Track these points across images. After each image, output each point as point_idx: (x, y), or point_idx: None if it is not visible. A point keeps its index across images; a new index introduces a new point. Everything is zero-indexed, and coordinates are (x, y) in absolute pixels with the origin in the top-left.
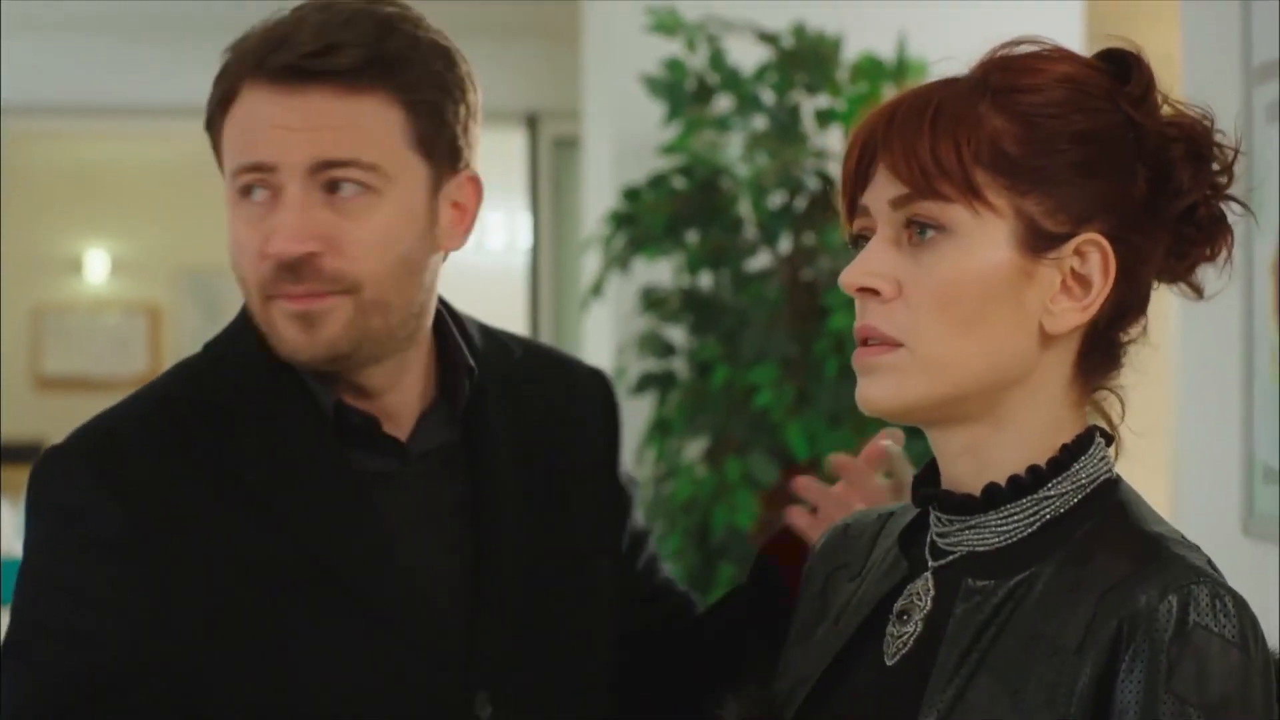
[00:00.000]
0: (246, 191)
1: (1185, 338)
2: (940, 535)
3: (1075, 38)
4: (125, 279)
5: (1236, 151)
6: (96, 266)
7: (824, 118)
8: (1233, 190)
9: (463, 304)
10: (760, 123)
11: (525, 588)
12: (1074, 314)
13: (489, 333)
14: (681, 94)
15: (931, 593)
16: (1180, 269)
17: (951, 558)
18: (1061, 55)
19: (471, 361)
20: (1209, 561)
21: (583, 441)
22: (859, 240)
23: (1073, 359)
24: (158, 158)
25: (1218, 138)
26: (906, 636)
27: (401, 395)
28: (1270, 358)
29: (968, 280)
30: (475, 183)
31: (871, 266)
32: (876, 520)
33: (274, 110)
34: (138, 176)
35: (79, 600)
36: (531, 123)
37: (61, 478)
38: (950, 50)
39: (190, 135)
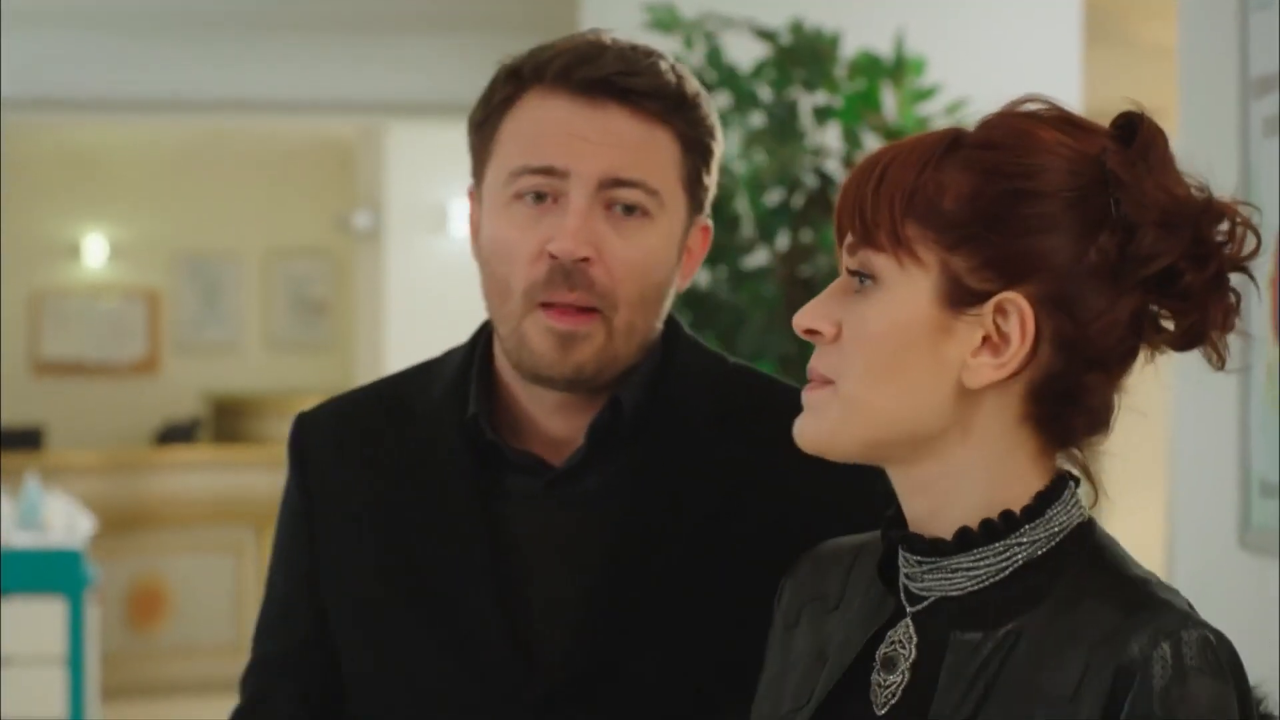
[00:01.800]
0: (522, 195)
1: (1182, 353)
2: (909, 578)
3: (1074, 33)
4: (123, 263)
5: (1246, 223)
6: (95, 251)
7: (822, 115)
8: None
9: (462, 300)
10: (758, 120)
11: (629, 634)
12: (990, 370)
13: (725, 370)
14: None
15: (914, 640)
16: (1182, 338)
17: (926, 603)
18: (1056, 119)
19: (624, 395)
20: (1189, 605)
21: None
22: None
23: (1016, 413)
24: (156, 142)
25: (1223, 205)
26: (895, 686)
27: (577, 421)
28: (1267, 372)
29: (888, 330)
30: (707, 231)
31: (817, 309)
32: (849, 551)
33: (573, 119)
34: (136, 161)
35: (280, 556)
36: None
37: (287, 446)
38: (948, 47)
39: (189, 121)
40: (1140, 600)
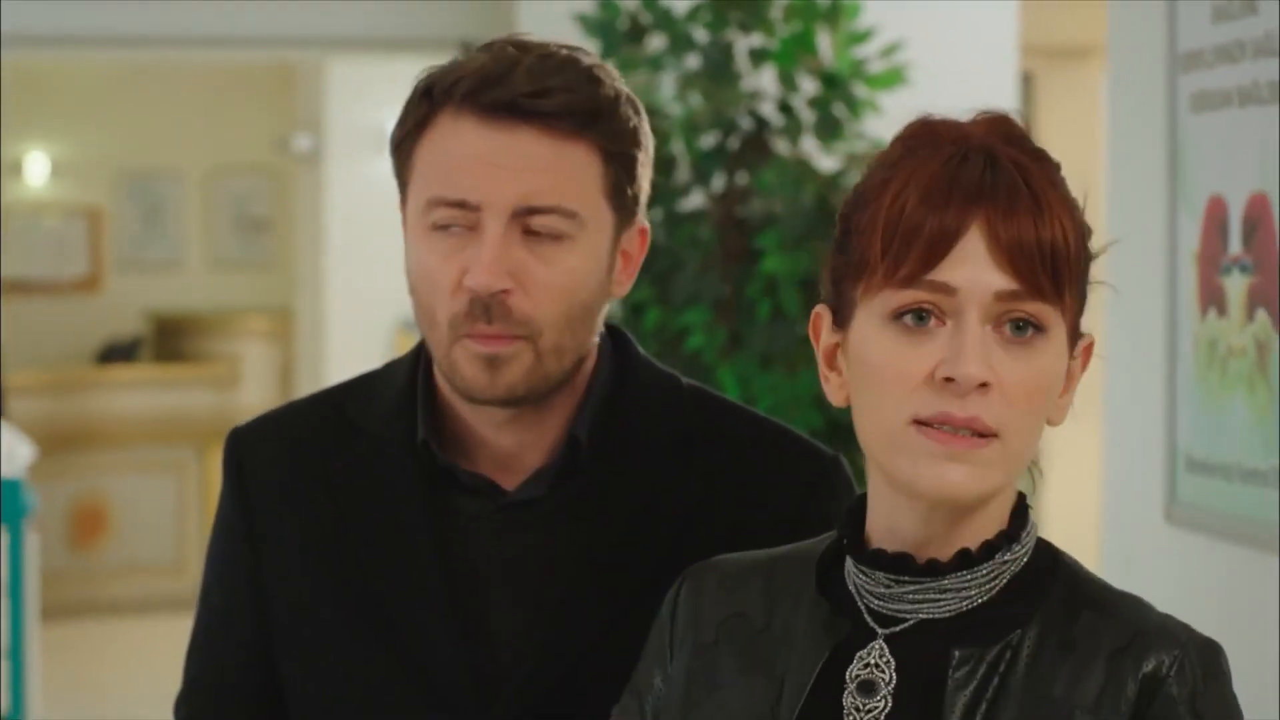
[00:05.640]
0: (439, 225)
1: (1110, 327)
2: (880, 599)
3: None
4: (65, 182)
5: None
6: (36, 169)
7: (757, 57)
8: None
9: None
10: (693, 62)
11: (587, 661)
12: (1068, 407)
13: (680, 394)
14: (615, 33)
15: (892, 663)
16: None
17: (906, 625)
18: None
19: (581, 431)
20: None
21: (761, 530)
22: (909, 313)
23: None
24: (98, 60)
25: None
26: (877, 711)
27: (524, 436)
28: (1195, 347)
29: (1052, 380)
30: (645, 234)
31: (987, 360)
32: (755, 569)
33: (483, 146)
34: (78, 79)
35: (216, 575)
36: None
37: (222, 461)
38: None
39: (128, 56)
40: (1142, 615)
